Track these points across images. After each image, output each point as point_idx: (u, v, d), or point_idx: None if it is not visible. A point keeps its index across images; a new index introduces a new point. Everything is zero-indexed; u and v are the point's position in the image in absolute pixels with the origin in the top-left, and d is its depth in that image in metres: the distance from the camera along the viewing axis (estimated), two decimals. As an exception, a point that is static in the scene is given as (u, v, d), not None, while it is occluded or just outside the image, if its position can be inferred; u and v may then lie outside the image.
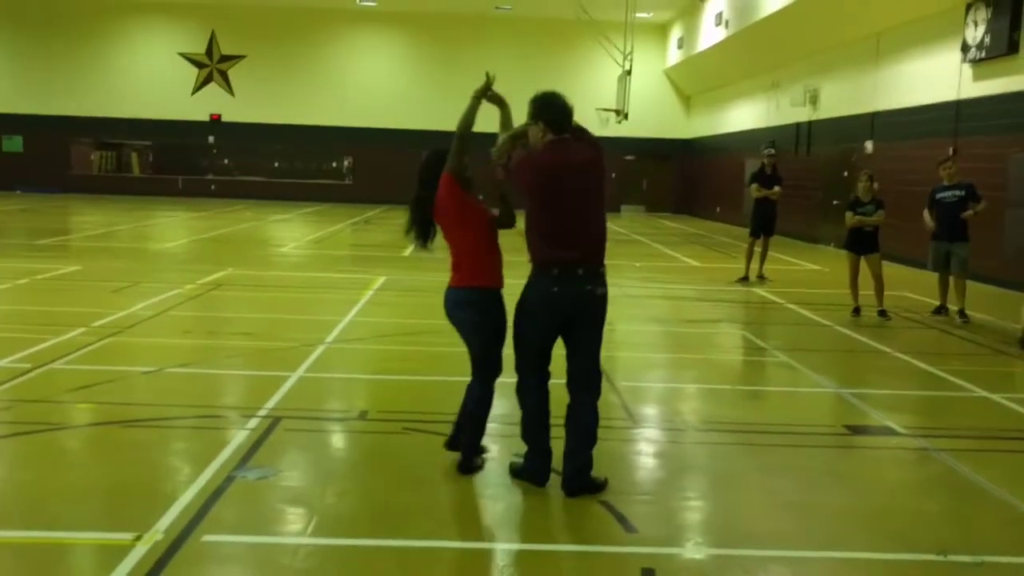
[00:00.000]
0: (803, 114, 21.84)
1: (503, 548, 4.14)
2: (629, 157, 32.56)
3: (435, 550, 4.06)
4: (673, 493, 4.90)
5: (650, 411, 6.64)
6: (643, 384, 7.41)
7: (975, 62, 14.71)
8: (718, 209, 28.87)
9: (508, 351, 4.82)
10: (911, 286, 12.90)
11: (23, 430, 5.53)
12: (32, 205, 26.13)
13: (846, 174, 18.55)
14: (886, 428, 6.21)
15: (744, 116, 26.63)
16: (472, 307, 4.81)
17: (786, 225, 20.73)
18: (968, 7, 14.79)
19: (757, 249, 13.83)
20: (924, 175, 13.40)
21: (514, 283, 4.79)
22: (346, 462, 5.32)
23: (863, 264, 10.65)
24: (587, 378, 4.75)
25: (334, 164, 33.55)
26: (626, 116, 27.00)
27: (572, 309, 4.61)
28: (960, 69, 15.12)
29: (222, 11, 31.83)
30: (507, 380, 4.93)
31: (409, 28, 32.22)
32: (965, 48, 14.87)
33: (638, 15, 27.40)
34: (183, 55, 32.42)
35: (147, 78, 32.22)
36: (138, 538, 3.90)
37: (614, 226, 25.99)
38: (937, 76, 15.83)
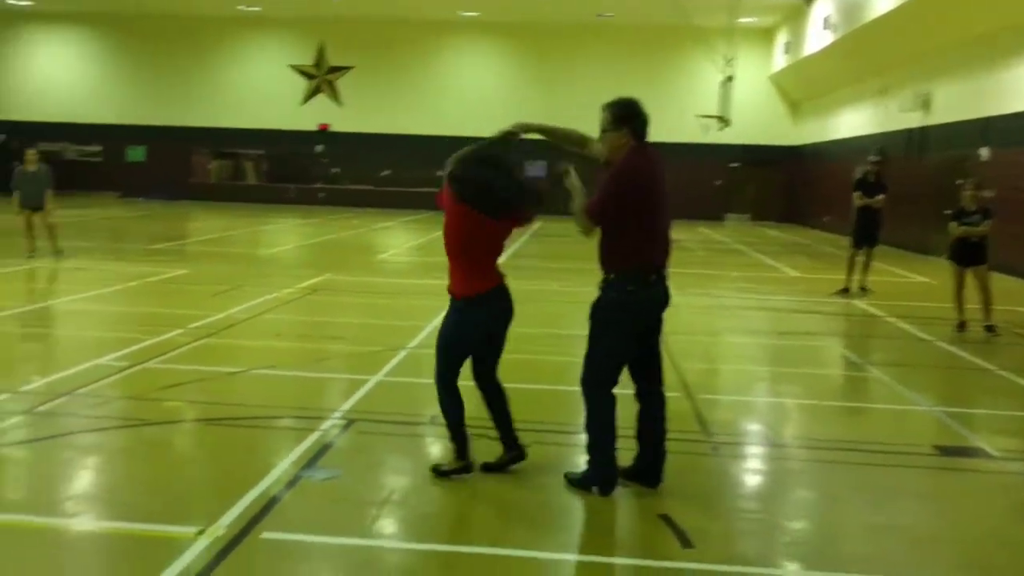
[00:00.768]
0: (914, 119, 20.97)
1: (566, 559, 4.11)
2: (734, 164, 31.96)
3: (487, 557, 4.06)
4: (743, 510, 4.77)
5: (728, 424, 6.47)
6: (723, 397, 7.24)
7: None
8: (826, 218, 27.98)
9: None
10: (1025, 300, 12.22)
11: (110, 424, 5.81)
12: (152, 212, 27.49)
13: (959, 182, 17.67)
14: (979, 450, 5.89)
15: (853, 121, 25.77)
16: None
17: (896, 235, 19.95)
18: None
19: (860, 260, 13.33)
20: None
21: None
22: (411, 466, 5.37)
23: (969, 277, 10.14)
24: (658, 374, 4.95)
25: (438, 173, 33.93)
26: (728, 123, 26.48)
27: (661, 311, 4.83)
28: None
29: (330, 24, 32.80)
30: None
31: (512, 37, 32.49)
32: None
33: (742, 20, 26.89)
34: (293, 67, 33.55)
35: (260, 90, 33.50)
36: (201, 532, 4.04)
37: (716, 235, 25.57)
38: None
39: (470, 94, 32.74)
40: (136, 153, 34.22)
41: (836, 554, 4.21)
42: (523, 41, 32.40)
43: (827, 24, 24.01)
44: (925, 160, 20.62)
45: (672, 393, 6.98)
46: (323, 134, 33.50)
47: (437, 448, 5.48)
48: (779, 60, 30.58)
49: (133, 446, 5.48)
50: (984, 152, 17.40)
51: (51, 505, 4.47)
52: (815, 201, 29.46)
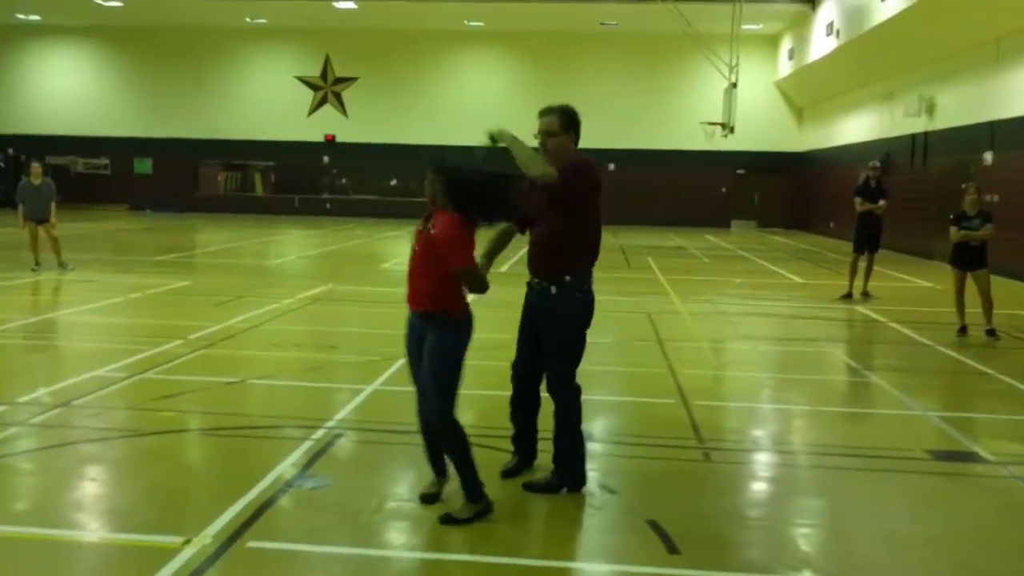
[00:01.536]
0: (918, 124, 20.92)
1: (551, 565, 4.11)
2: (740, 171, 31.94)
3: (473, 565, 4.06)
4: (734, 515, 4.75)
5: (725, 430, 6.44)
6: (721, 403, 7.21)
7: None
8: (831, 224, 27.92)
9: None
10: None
11: (104, 436, 5.83)
12: (158, 224, 27.61)
13: (964, 185, 17.62)
14: (974, 455, 5.86)
15: (858, 127, 25.72)
16: None
17: (899, 240, 19.89)
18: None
19: (861, 265, 13.31)
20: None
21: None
22: (401, 475, 5.37)
23: (970, 281, 10.11)
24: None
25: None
26: (732, 130, 26.47)
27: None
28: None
29: (336, 35, 32.95)
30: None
31: (516, 47, 32.58)
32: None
33: (746, 27, 26.89)
34: (299, 78, 33.71)
35: (266, 101, 33.66)
36: (187, 542, 4.05)
37: (721, 242, 25.52)
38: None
39: (475, 104, 32.79)
40: (143, 166, 34.41)
41: (834, 560, 4.19)
42: (528, 51, 32.48)
43: (831, 30, 24.01)
44: (929, 165, 20.56)
45: (666, 400, 7.01)
46: (329, 145, 33.63)
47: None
48: (784, 66, 30.57)
49: (127, 456, 5.50)
50: (988, 157, 17.34)
51: (40, 516, 4.49)
52: (821, 207, 29.39)
